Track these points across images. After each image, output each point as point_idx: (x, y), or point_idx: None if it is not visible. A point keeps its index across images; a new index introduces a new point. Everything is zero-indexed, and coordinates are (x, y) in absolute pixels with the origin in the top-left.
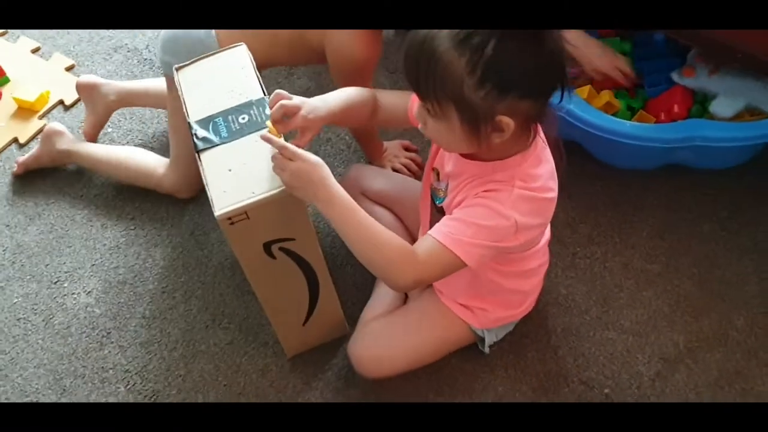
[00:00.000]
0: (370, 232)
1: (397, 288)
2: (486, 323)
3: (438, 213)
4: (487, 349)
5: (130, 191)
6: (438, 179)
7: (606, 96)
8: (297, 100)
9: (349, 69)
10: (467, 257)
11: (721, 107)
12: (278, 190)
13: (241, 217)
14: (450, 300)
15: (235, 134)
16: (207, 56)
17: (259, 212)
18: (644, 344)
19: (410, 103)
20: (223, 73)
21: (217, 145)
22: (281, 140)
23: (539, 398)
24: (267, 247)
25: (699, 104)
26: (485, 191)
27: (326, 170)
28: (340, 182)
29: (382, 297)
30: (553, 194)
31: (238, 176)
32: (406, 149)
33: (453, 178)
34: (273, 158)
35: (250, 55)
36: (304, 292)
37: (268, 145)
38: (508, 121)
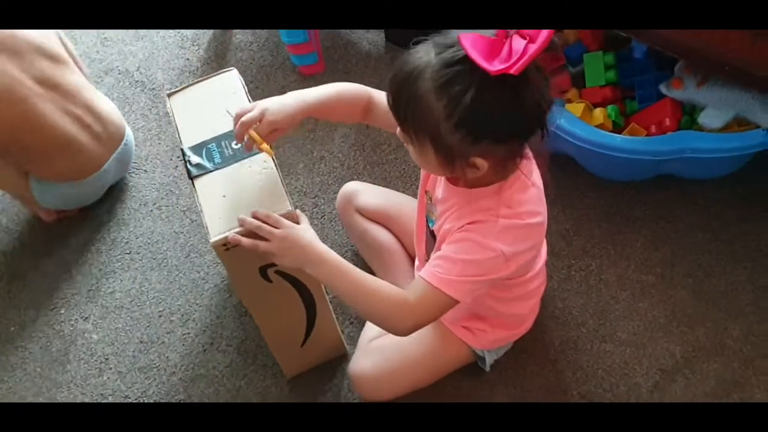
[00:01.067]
0: (364, 287)
1: (398, 335)
2: (486, 344)
3: (431, 236)
4: (488, 368)
5: (123, 215)
6: (431, 201)
7: (600, 116)
8: (256, 110)
9: None
10: (459, 295)
11: (710, 118)
12: (275, 212)
13: (235, 242)
14: (450, 322)
15: (228, 160)
16: (199, 81)
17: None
18: (642, 356)
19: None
20: (216, 98)
21: (211, 171)
22: (263, 211)
23: None
24: (263, 270)
25: (688, 115)
26: (469, 224)
27: (312, 232)
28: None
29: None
30: (541, 218)
31: (232, 202)
32: None
33: (441, 204)
34: (257, 229)
35: (241, 79)
36: (301, 313)
37: (262, 171)
38: (481, 163)
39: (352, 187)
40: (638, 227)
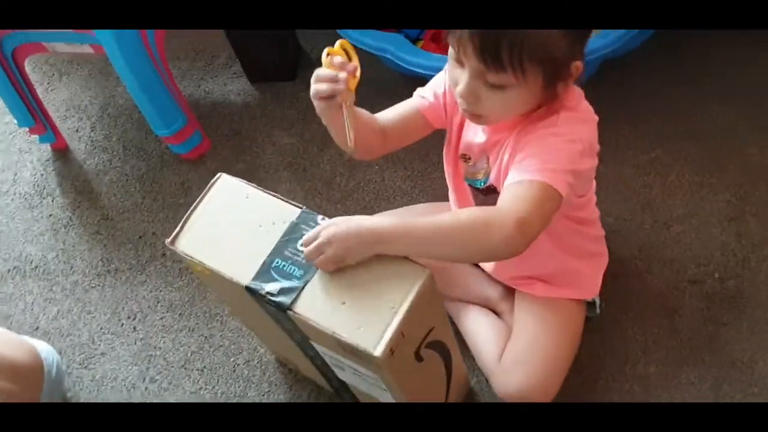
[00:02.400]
0: (441, 227)
1: (510, 253)
2: (594, 289)
3: (486, 195)
4: (598, 310)
5: None
6: (471, 162)
7: None
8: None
9: None
10: (558, 184)
11: None
12: (417, 283)
13: (397, 339)
14: (548, 288)
15: (308, 265)
16: (192, 211)
17: (410, 321)
18: (705, 215)
19: (419, 106)
20: (230, 215)
21: (303, 287)
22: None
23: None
24: (417, 353)
25: None
26: (532, 127)
27: (356, 217)
28: None
29: (489, 335)
30: (596, 117)
31: (357, 303)
32: None
33: (491, 148)
34: (306, 252)
35: (240, 179)
36: (443, 375)
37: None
38: (578, 65)
39: None
40: (617, 116)
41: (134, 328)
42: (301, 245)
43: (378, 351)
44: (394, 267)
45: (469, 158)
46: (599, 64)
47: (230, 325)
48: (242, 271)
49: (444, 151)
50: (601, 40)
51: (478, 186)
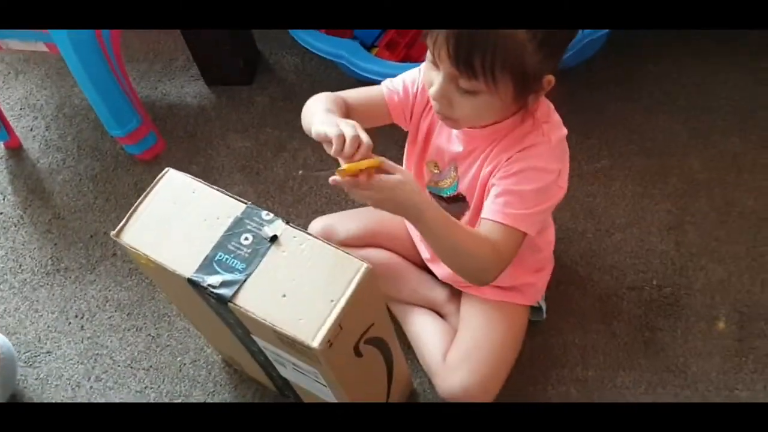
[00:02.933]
0: (465, 236)
1: (482, 283)
2: (538, 295)
3: (450, 203)
4: (545, 315)
5: None
6: (438, 170)
7: None
8: (348, 130)
9: None
10: (531, 228)
11: None
12: (356, 278)
13: (336, 332)
14: (497, 292)
15: (251, 259)
16: (138, 205)
17: (349, 315)
18: (647, 223)
19: (387, 97)
20: (176, 209)
21: (245, 281)
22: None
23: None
24: (356, 348)
25: None
26: (520, 151)
27: (412, 182)
28: None
29: (434, 335)
30: (565, 131)
31: (298, 295)
32: None
33: (463, 158)
34: (363, 188)
35: (186, 174)
36: (383, 372)
37: (300, 248)
38: (550, 79)
39: (320, 225)
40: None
41: (82, 326)
42: (246, 239)
43: (316, 342)
44: (335, 261)
45: (437, 166)
46: None
47: (178, 325)
48: (185, 264)
49: (406, 152)
50: None
51: (443, 195)
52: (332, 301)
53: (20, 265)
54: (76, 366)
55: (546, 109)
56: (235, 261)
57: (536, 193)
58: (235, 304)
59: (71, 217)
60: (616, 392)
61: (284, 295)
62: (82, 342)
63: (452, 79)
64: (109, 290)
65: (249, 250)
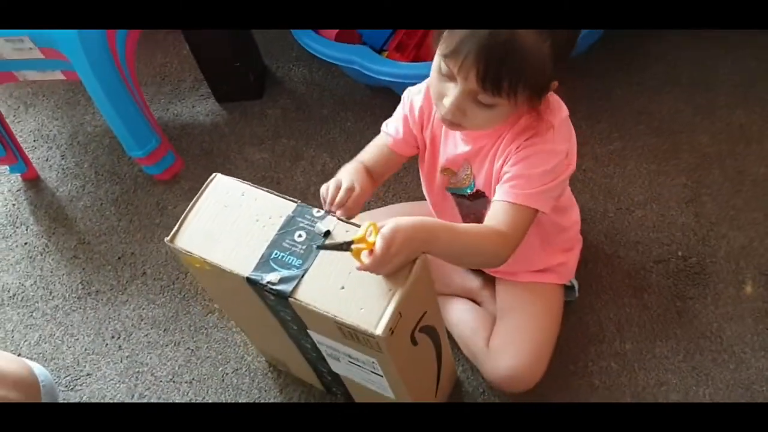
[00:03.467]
0: (469, 238)
1: (497, 265)
2: (570, 273)
3: (473, 200)
4: (577, 293)
5: None
6: (454, 174)
7: None
8: (345, 184)
9: None
10: (542, 205)
11: None
12: (414, 267)
13: (396, 320)
14: (530, 275)
15: (306, 255)
16: (190, 210)
17: (407, 303)
18: (665, 197)
19: (389, 144)
20: (227, 212)
21: (302, 276)
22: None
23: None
24: (412, 336)
25: None
26: (527, 140)
27: (403, 219)
28: None
29: (474, 323)
30: (566, 110)
31: (356, 287)
32: None
33: (474, 156)
34: (371, 265)
35: (234, 179)
36: (434, 360)
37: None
38: (556, 83)
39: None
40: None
41: (119, 346)
42: (300, 236)
43: (379, 329)
44: None
45: (451, 171)
46: None
47: (216, 336)
48: (242, 264)
49: (420, 168)
50: None
51: (465, 193)
52: (390, 290)
53: (50, 292)
54: (117, 386)
55: (549, 104)
56: (291, 258)
57: (543, 174)
58: (295, 299)
59: (96, 241)
60: (655, 362)
61: (343, 288)
62: (121, 361)
63: (471, 94)
64: (143, 309)
65: (304, 247)
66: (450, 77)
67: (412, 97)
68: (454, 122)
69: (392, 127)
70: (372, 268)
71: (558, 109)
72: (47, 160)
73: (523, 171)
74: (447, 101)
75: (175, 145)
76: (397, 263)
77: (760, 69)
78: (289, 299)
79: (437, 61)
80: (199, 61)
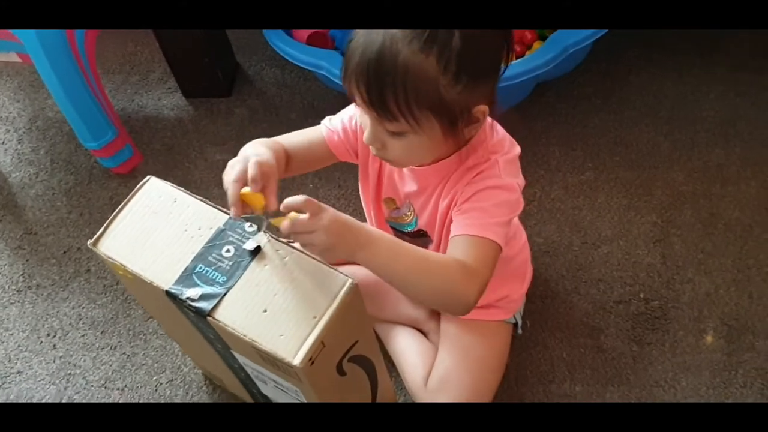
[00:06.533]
0: (422, 256)
1: (464, 309)
2: (515, 307)
3: (413, 238)
4: (520, 330)
5: None
6: (396, 208)
7: None
8: (238, 163)
9: None
10: (500, 239)
11: None
12: (341, 293)
13: (318, 349)
14: (478, 314)
15: (232, 272)
16: (117, 214)
17: (332, 332)
18: (632, 236)
19: (327, 138)
20: (156, 219)
21: (224, 294)
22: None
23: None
24: (339, 366)
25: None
26: (473, 177)
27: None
28: None
29: (416, 355)
30: (517, 149)
31: (280, 311)
32: None
33: (417, 196)
34: (293, 230)
35: (167, 183)
36: (367, 391)
37: (283, 260)
38: (483, 109)
39: None
40: (548, 139)
41: (54, 345)
42: (228, 251)
43: (297, 360)
44: (319, 276)
45: (394, 203)
46: (533, 87)
47: (154, 343)
48: (164, 276)
49: (360, 185)
50: (532, 62)
51: (405, 230)
52: (315, 317)
53: None
54: (47, 387)
55: (494, 136)
56: (216, 273)
57: (496, 207)
58: (214, 319)
59: (44, 232)
60: None
61: (265, 310)
62: (54, 361)
63: (379, 122)
64: (83, 307)
65: (230, 263)
66: (353, 99)
67: None
68: (382, 157)
69: (336, 123)
70: (293, 229)
71: (509, 149)
72: (3, 143)
73: (476, 204)
74: (365, 134)
75: (135, 139)
76: (321, 239)
77: (743, 106)
78: (208, 318)
79: None
80: (166, 55)
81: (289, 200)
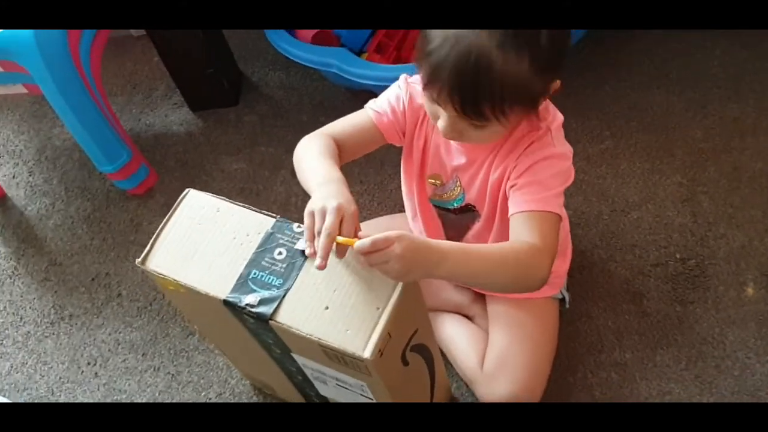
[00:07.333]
0: (492, 258)
1: (541, 285)
2: (561, 283)
3: (459, 214)
4: (568, 305)
5: None
6: (440, 183)
7: None
8: (331, 214)
9: None
10: (560, 210)
11: None
12: (399, 285)
13: (385, 340)
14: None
15: (287, 273)
16: (160, 230)
17: (396, 322)
18: (660, 199)
19: (375, 120)
20: (202, 230)
21: (282, 296)
22: (364, 239)
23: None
24: (403, 356)
25: None
26: (527, 148)
27: (414, 234)
28: None
29: (466, 341)
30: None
31: (341, 307)
32: None
33: (466, 168)
34: (369, 263)
35: (207, 194)
36: (427, 380)
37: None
38: (557, 85)
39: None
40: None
41: (95, 374)
42: (280, 254)
43: (367, 352)
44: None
45: (439, 179)
46: None
47: (197, 359)
48: (219, 286)
49: (403, 166)
50: None
51: (450, 207)
52: (378, 308)
53: (21, 318)
54: None
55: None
56: (271, 277)
57: (553, 177)
58: (276, 322)
59: (68, 261)
60: (657, 371)
61: (327, 308)
62: (98, 389)
63: (463, 119)
64: (120, 332)
65: (284, 265)
66: (437, 102)
67: (416, 86)
68: (451, 138)
69: (383, 104)
70: (369, 261)
71: (554, 116)
72: (14, 177)
73: (532, 178)
74: (441, 125)
75: (148, 158)
76: (396, 268)
77: (750, 58)
78: (270, 322)
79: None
80: (169, 69)
81: (358, 245)
